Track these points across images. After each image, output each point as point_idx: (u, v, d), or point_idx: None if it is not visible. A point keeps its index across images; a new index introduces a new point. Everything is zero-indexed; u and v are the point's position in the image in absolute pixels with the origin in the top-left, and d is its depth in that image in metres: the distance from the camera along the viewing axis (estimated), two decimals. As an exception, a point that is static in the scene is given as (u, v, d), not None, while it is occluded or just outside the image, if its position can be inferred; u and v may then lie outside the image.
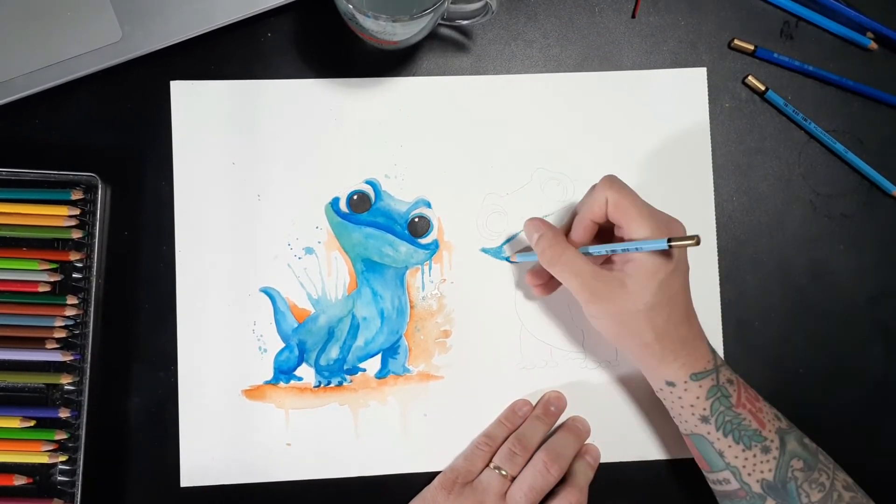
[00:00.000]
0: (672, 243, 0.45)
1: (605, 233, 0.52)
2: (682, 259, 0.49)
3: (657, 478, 0.57)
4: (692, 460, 0.57)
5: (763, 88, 0.58)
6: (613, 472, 0.56)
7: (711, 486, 0.52)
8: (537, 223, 0.52)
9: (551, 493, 0.54)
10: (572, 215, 0.53)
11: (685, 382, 0.49)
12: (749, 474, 0.49)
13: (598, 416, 0.57)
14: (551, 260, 0.50)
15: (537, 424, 0.55)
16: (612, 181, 0.50)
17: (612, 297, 0.48)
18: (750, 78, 0.58)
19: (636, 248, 0.47)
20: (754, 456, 0.49)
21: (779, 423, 0.50)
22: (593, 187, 0.51)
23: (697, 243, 0.44)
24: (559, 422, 0.57)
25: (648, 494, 0.57)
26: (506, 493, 0.52)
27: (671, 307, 0.48)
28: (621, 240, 0.49)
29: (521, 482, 0.52)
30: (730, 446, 0.49)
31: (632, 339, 0.49)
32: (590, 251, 0.50)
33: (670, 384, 0.50)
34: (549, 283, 0.55)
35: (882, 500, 0.50)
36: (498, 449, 0.54)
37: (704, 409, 0.49)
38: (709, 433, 0.50)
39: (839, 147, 0.58)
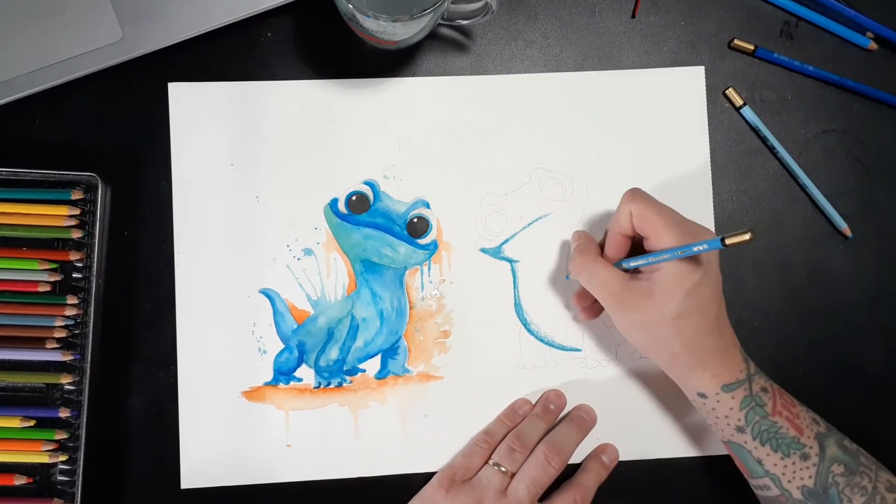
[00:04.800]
0: (727, 241, 0.43)
1: (641, 247, 0.52)
2: (711, 267, 0.49)
3: (657, 478, 0.57)
4: (693, 460, 0.57)
5: (741, 102, 0.58)
6: (613, 471, 0.56)
7: (754, 490, 0.52)
8: (576, 234, 0.53)
9: (557, 490, 0.54)
10: (606, 232, 0.53)
11: (717, 394, 0.49)
12: (789, 481, 0.48)
13: (598, 416, 0.57)
14: (579, 267, 0.51)
15: (536, 422, 0.55)
16: (634, 194, 0.50)
17: (638, 306, 0.48)
18: (730, 91, 0.58)
19: (677, 257, 0.47)
20: (793, 463, 0.48)
21: (817, 428, 0.49)
22: (621, 200, 0.50)
23: (752, 240, 0.42)
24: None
25: (648, 494, 0.57)
26: (506, 489, 0.52)
27: (700, 317, 0.48)
28: (649, 251, 0.49)
29: (523, 475, 0.52)
30: (768, 454, 0.49)
31: (660, 349, 0.49)
32: (628, 265, 0.50)
33: (702, 395, 0.50)
34: (593, 306, 0.55)
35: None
36: (497, 446, 0.54)
37: (739, 420, 0.49)
38: (746, 442, 0.49)
39: (803, 176, 0.58)
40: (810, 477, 0.48)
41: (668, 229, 0.48)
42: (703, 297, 0.48)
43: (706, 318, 0.48)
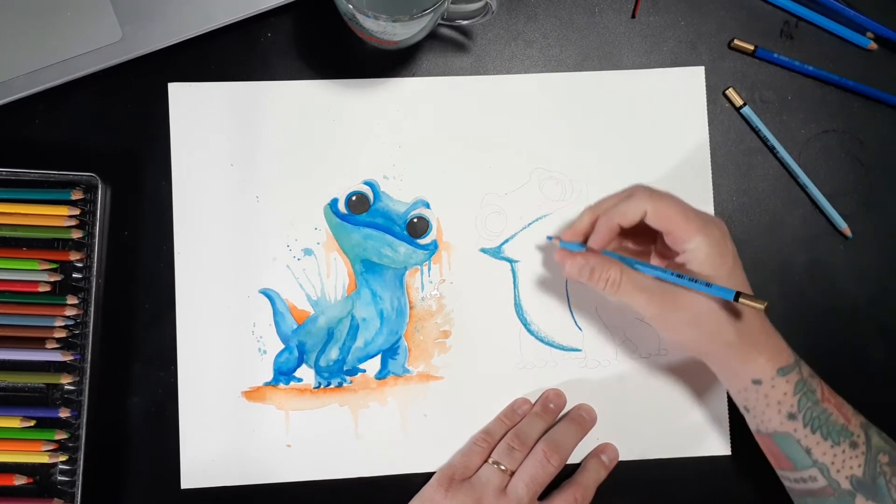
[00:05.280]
0: (742, 301, 0.46)
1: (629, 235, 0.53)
2: (736, 254, 0.50)
3: (657, 478, 0.57)
4: (693, 460, 0.57)
5: (741, 103, 0.58)
6: (614, 471, 0.56)
7: (790, 484, 0.51)
8: (579, 260, 0.51)
9: (558, 489, 0.54)
10: (590, 217, 0.53)
11: (772, 378, 0.48)
12: (838, 471, 0.48)
13: (598, 416, 0.57)
14: (615, 286, 0.50)
15: (536, 421, 0.55)
16: (650, 191, 0.50)
17: (684, 303, 0.48)
18: (730, 91, 0.58)
19: (699, 288, 0.47)
20: (843, 452, 0.47)
21: (860, 419, 0.49)
22: (627, 194, 0.51)
23: (766, 309, 0.46)
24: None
25: (648, 494, 0.57)
26: (505, 487, 0.52)
27: None
28: (670, 247, 0.50)
29: (522, 473, 0.52)
30: (818, 443, 0.48)
31: (713, 342, 0.49)
32: (643, 269, 0.50)
33: (757, 382, 0.49)
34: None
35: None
36: (496, 445, 0.54)
37: (792, 406, 0.48)
38: (795, 430, 0.48)
39: (803, 176, 0.58)
40: (859, 466, 0.47)
41: (691, 226, 0.48)
42: (740, 281, 0.49)
43: None
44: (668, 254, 0.52)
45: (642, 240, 0.54)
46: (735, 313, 0.48)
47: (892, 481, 0.47)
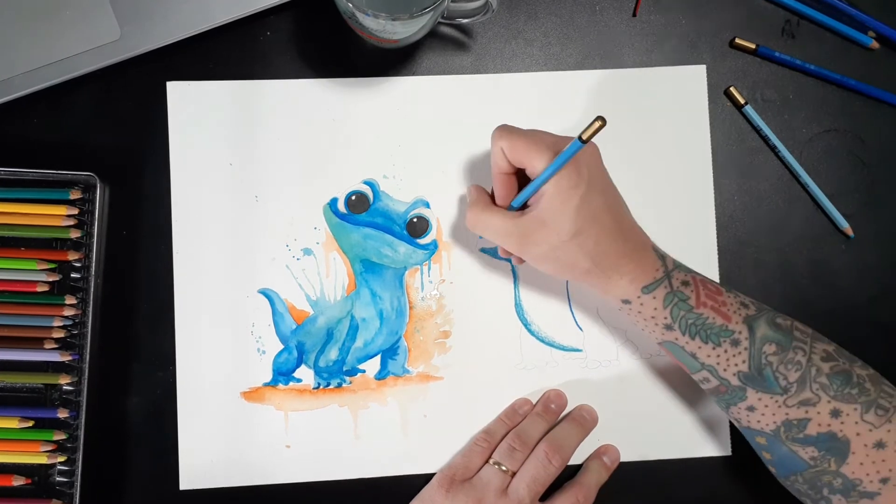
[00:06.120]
0: (584, 136, 0.43)
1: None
2: (594, 178, 0.48)
3: (658, 478, 0.57)
4: (693, 461, 0.57)
5: (742, 102, 0.58)
6: (614, 472, 0.56)
7: (699, 384, 0.52)
8: (469, 190, 0.53)
9: (559, 490, 0.54)
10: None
11: (639, 297, 0.49)
12: (725, 370, 0.48)
13: (599, 417, 0.57)
14: (473, 222, 0.51)
15: (537, 421, 0.55)
16: (500, 130, 0.50)
17: (536, 237, 0.48)
18: (732, 90, 0.58)
19: (550, 173, 0.46)
20: (725, 351, 0.48)
21: (745, 311, 0.49)
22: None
23: (603, 123, 0.43)
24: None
25: (649, 495, 0.57)
26: (507, 488, 0.52)
27: (597, 228, 0.48)
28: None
29: (524, 474, 0.52)
30: (700, 347, 0.49)
31: (573, 271, 0.49)
32: (516, 203, 0.50)
33: (626, 302, 0.49)
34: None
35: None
36: (497, 446, 0.54)
37: (666, 318, 0.49)
38: (677, 339, 0.49)
39: (804, 176, 0.58)
40: (744, 361, 0.48)
41: (540, 151, 0.47)
42: (594, 207, 0.48)
43: (604, 228, 0.48)
44: None
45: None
46: (587, 242, 0.48)
47: (780, 370, 0.47)
